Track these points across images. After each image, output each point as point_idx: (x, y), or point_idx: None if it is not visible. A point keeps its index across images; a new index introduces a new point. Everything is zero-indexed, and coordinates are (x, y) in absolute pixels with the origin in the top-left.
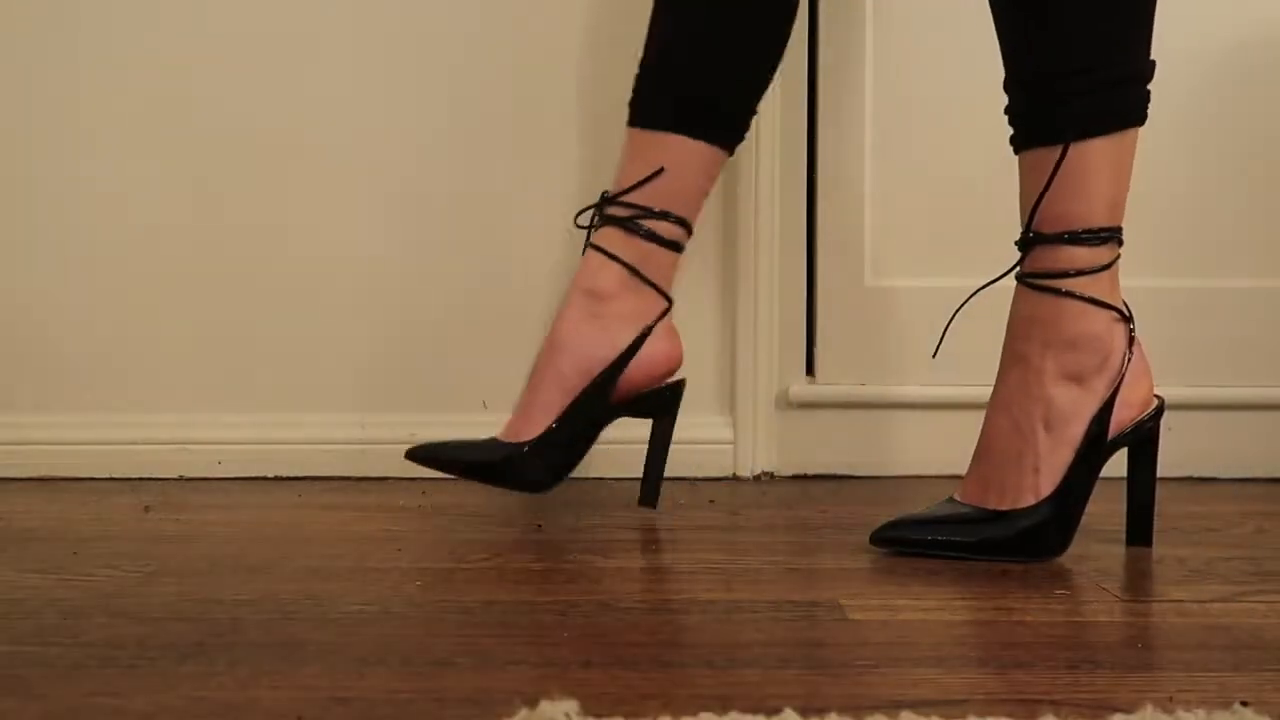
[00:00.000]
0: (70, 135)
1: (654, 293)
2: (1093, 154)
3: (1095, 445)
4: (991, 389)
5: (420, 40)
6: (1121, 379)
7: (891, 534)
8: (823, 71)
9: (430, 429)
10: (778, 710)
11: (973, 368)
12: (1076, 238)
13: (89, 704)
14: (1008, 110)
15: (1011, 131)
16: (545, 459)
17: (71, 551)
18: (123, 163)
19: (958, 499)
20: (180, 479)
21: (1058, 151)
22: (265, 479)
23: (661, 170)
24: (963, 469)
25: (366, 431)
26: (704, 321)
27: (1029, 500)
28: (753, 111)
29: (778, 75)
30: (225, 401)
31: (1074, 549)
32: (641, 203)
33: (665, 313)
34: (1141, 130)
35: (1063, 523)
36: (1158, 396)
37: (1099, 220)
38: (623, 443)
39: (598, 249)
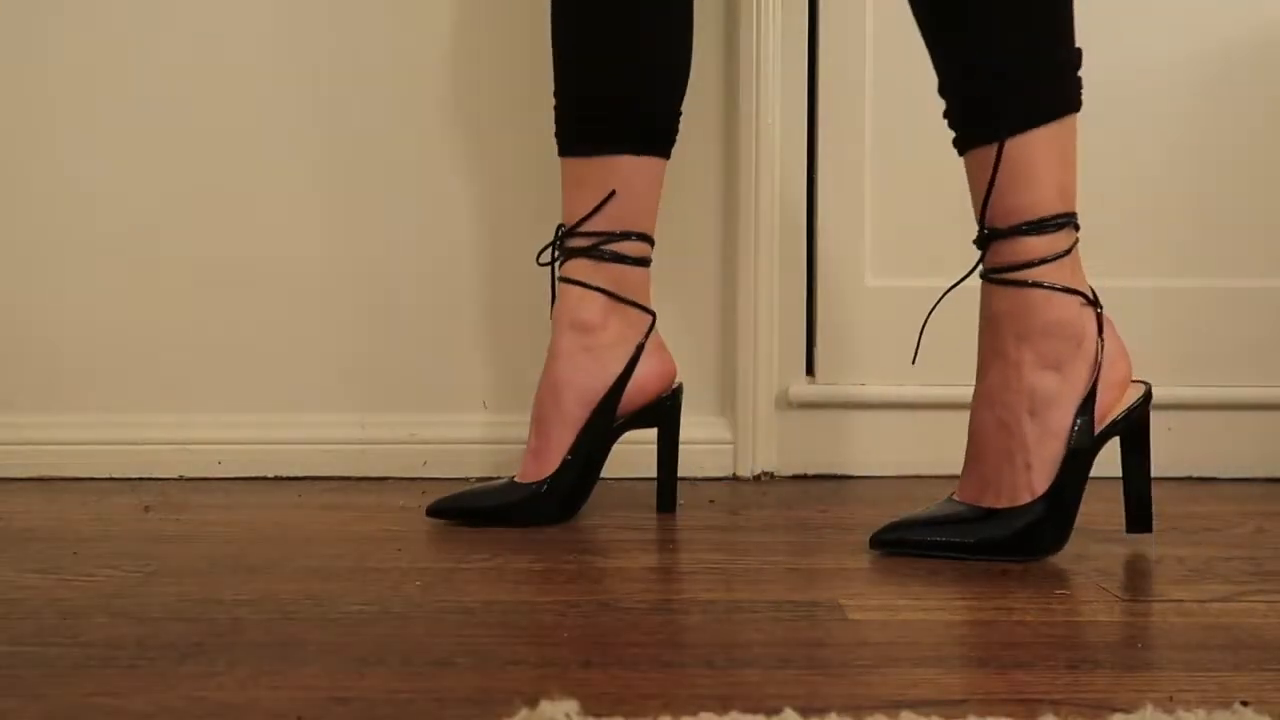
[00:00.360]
0: (70, 135)
1: (636, 310)
2: (1033, 145)
3: (1085, 435)
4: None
5: (423, 41)
6: (1099, 363)
7: (891, 536)
8: (823, 71)
9: (430, 429)
10: (778, 710)
11: (972, 368)
12: (1032, 228)
13: (89, 704)
14: (946, 115)
15: (953, 135)
16: (560, 493)
17: (71, 551)
18: (123, 163)
19: (956, 499)
20: (180, 479)
21: (994, 149)
22: (265, 479)
23: (613, 193)
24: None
25: (366, 431)
26: (704, 322)
27: (1025, 498)
28: (679, 115)
29: (778, 75)
30: (225, 401)
31: (1073, 548)
32: (601, 228)
33: (652, 326)
34: (1141, 131)
35: (1059, 519)
36: (1144, 382)
37: (1051, 208)
38: (621, 442)
39: (573, 282)
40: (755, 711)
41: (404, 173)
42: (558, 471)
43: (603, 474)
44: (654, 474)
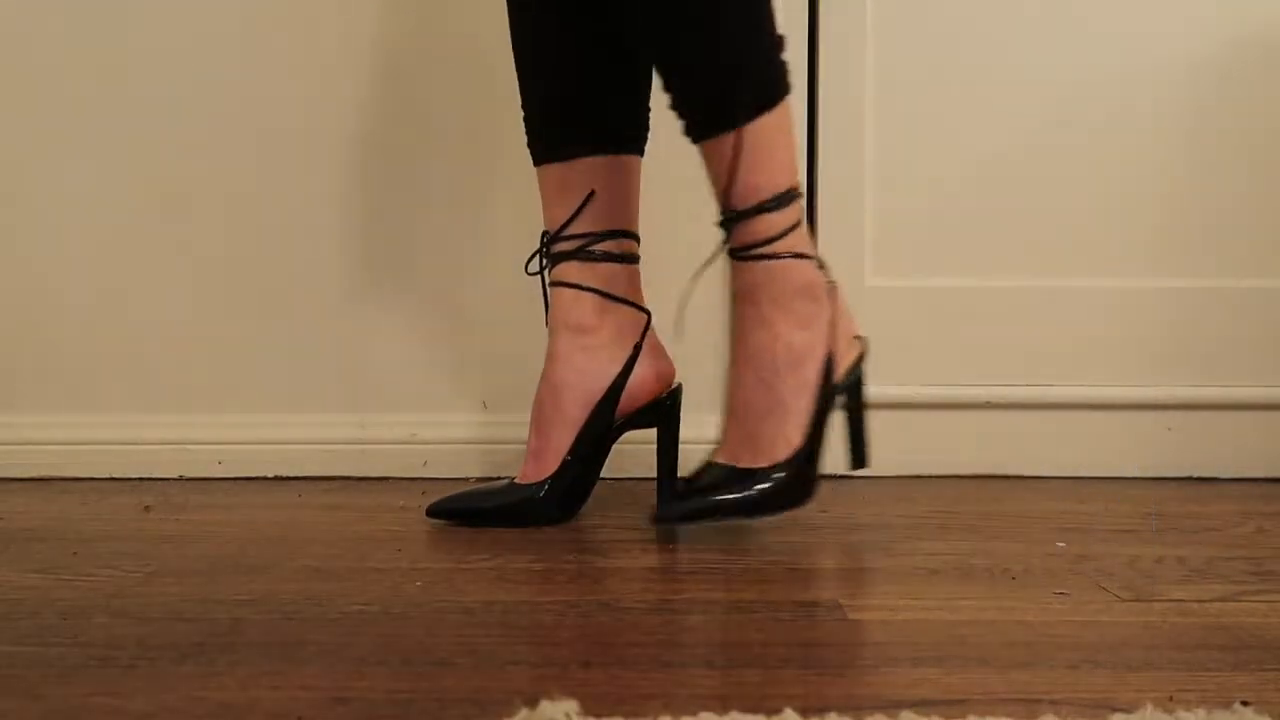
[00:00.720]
0: (69, 135)
1: (631, 309)
2: (765, 129)
3: (827, 389)
4: (734, 357)
5: (426, 40)
6: (834, 318)
7: (683, 508)
8: (823, 71)
9: (430, 429)
10: (778, 710)
11: (972, 368)
12: (772, 204)
13: (89, 704)
14: (675, 108)
15: (683, 124)
16: (560, 494)
17: (72, 551)
18: (123, 162)
19: (718, 461)
20: (180, 479)
21: (733, 136)
22: (265, 479)
23: (593, 193)
24: (963, 468)
25: (366, 431)
26: (704, 321)
27: (785, 453)
28: (644, 112)
29: None
30: (225, 401)
31: (1073, 548)
32: (587, 230)
33: (648, 325)
34: (1142, 130)
35: (815, 469)
36: (861, 338)
37: (785, 184)
38: (621, 442)
39: (565, 284)
40: (755, 711)
41: (406, 174)
42: (557, 472)
43: (603, 474)
44: (653, 475)
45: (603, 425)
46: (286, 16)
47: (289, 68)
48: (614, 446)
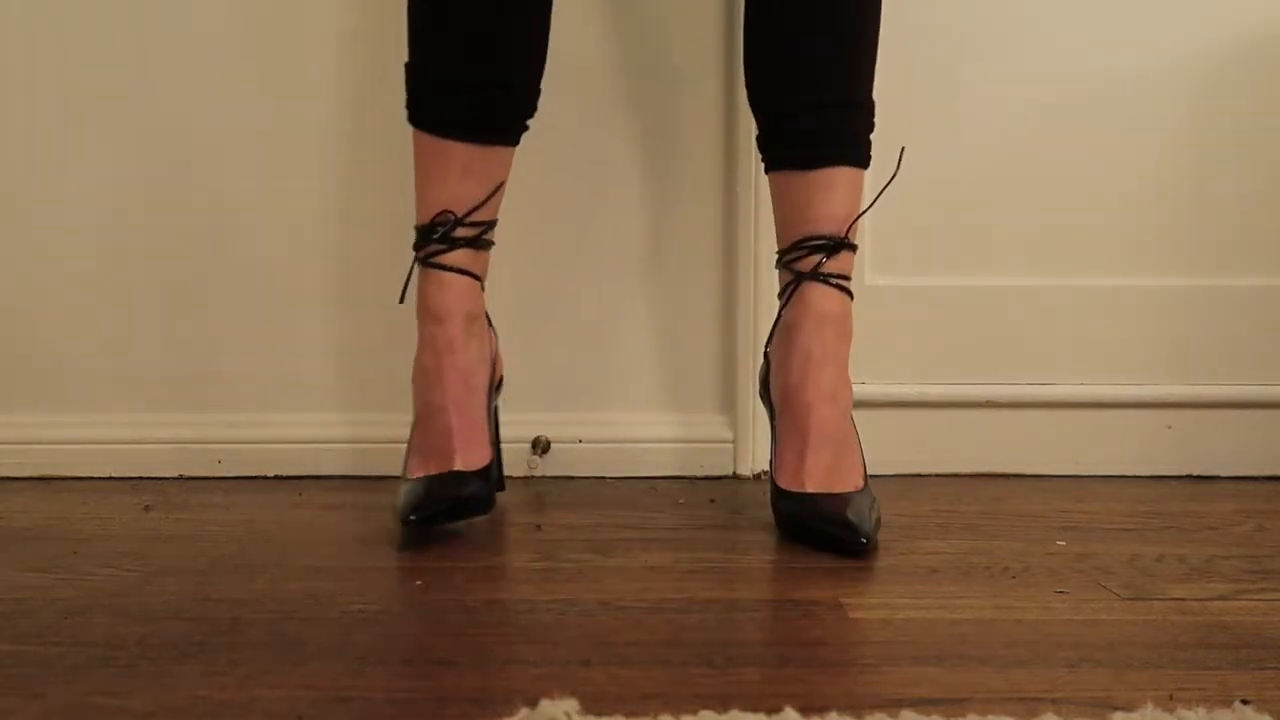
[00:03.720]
0: (69, 134)
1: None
2: (858, 173)
3: None
4: (810, 383)
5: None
6: None
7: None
8: None
9: None
10: (778, 709)
11: (972, 366)
12: (852, 245)
13: (89, 703)
14: (800, 142)
15: (799, 152)
16: (497, 476)
17: (72, 551)
18: (122, 163)
19: (807, 490)
20: (180, 478)
21: (862, 174)
22: (265, 478)
23: (502, 184)
24: (963, 467)
25: (366, 430)
26: (704, 321)
27: (860, 481)
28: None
29: None
30: (225, 401)
31: (1073, 546)
32: (484, 218)
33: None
34: (1141, 130)
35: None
36: None
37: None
38: (622, 441)
39: (461, 271)
40: (756, 710)
41: (404, 172)
42: (495, 458)
43: (602, 474)
44: (653, 474)
45: (493, 404)
46: (289, 18)
47: (291, 69)
48: (612, 445)
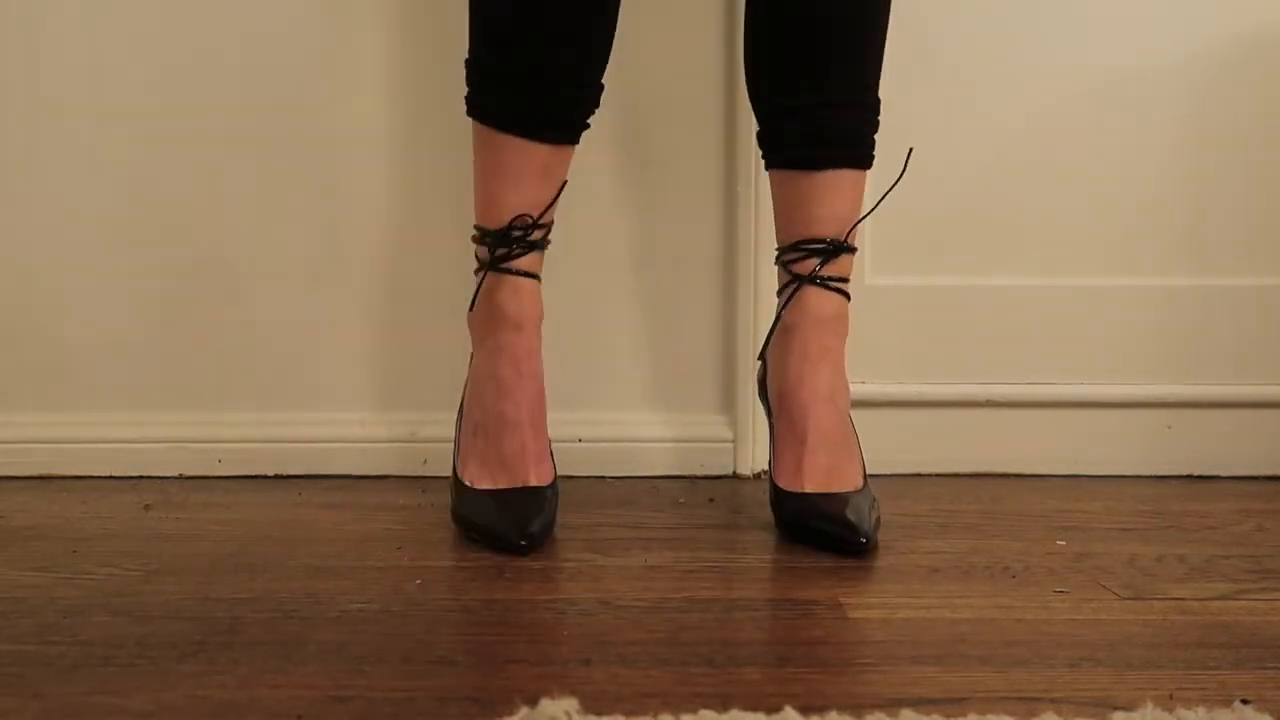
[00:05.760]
0: (69, 136)
1: None
2: (861, 175)
3: None
4: (789, 381)
5: (425, 39)
6: None
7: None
8: None
9: (430, 427)
10: (778, 708)
11: (972, 366)
12: (851, 248)
13: (89, 702)
14: (810, 141)
15: (802, 152)
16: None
17: (71, 550)
18: (122, 161)
19: (806, 490)
20: (180, 477)
21: (865, 175)
22: (265, 477)
23: (565, 183)
24: (963, 467)
25: (367, 429)
26: (704, 321)
27: (859, 481)
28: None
29: None
30: (225, 400)
31: (1073, 545)
32: (550, 219)
33: None
34: (1141, 129)
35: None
36: None
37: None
38: (622, 440)
39: (530, 275)
40: (756, 709)
41: (404, 172)
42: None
43: (602, 473)
44: (653, 474)
45: None
46: (286, 21)
47: (289, 68)
48: (612, 445)
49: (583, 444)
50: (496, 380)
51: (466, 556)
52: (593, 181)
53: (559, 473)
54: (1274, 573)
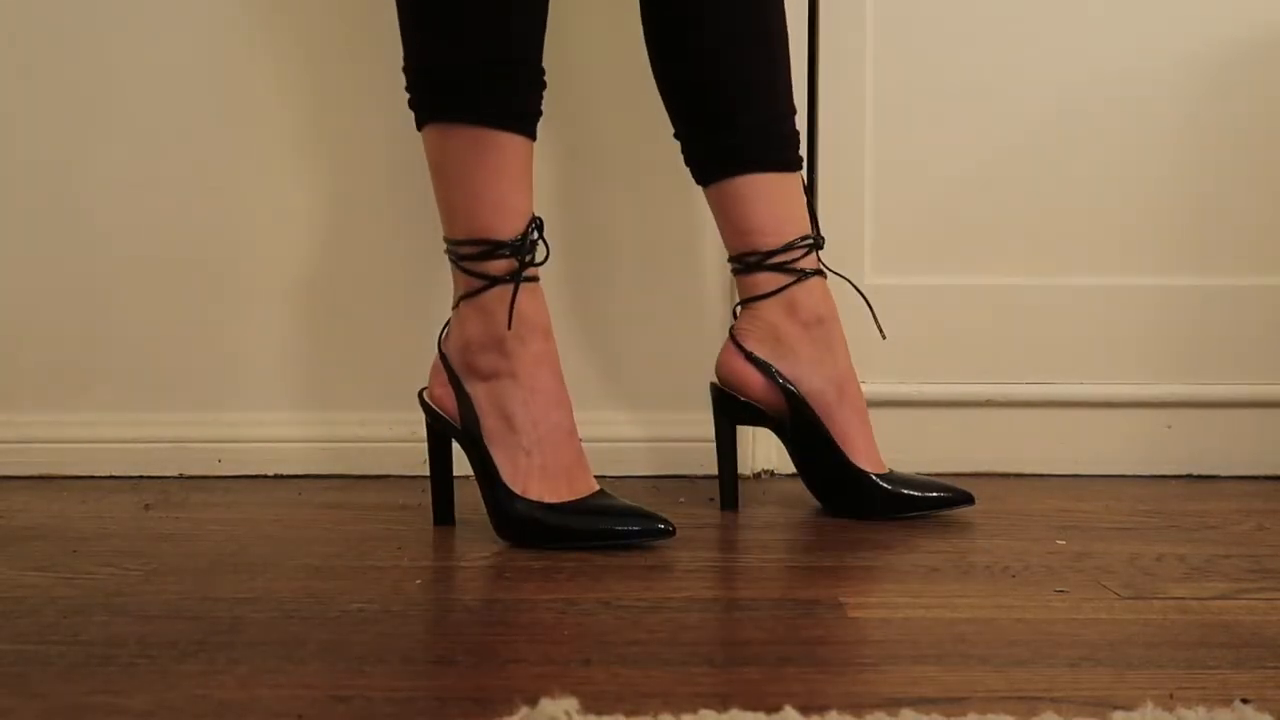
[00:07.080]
0: (69, 136)
1: None
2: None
3: None
4: (841, 375)
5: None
6: None
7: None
8: (823, 71)
9: None
10: (778, 708)
11: (972, 366)
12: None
13: (89, 702)
14: (772, 146)
15: (779, 158)
16: None
17: (71, 550)
18: (122, 163)
19: (890, 469)
20: (180, 477)
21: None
22: (265, 477)
23: None
24: (963, 466)
25: (367, 429)
26: (704, 321)
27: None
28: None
29: None
30: (225, 399)
31: (1073, 545)
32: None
33: None
34: (1141, 129)
35: None
36: None
37: None
38: (621, 440)
39: (535, 280)
40: (756, 709)
41: (404, 172)
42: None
43: (601, 473)
44: (651, 473)
45: None
46: (286, 20)
47: (287, 70)
48: (611, 445)
49: (582, 443)
50: (545, 392)
51: (466, 556)
52: (591, 182)
53: None
54: (1274, 572)
